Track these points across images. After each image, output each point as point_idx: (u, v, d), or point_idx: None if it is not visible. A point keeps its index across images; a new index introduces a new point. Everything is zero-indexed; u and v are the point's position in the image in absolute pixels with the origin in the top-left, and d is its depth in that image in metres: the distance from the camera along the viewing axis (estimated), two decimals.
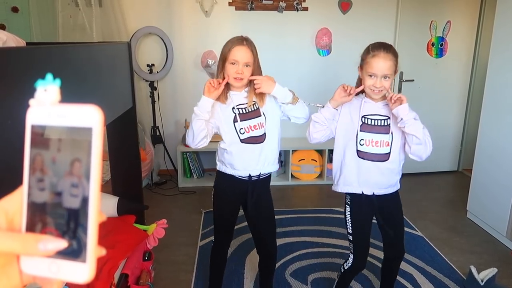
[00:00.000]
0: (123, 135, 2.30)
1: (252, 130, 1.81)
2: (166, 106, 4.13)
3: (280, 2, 3.95)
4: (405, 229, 3.07)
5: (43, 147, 0.35)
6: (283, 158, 4.24)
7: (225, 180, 1.90)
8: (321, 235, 3.00)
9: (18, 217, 0.36)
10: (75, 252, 0.35)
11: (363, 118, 1.77)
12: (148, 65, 3.92)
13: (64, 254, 0.35)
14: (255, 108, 1.81)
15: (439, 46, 4.15)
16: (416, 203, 3.63)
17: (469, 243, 2.96)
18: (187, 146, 3.94)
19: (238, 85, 1.79)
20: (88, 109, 0.34)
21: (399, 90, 4.16)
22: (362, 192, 1.82)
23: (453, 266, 2.62)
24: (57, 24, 3.34)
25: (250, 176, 1.85)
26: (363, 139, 1.76)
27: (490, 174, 3.08)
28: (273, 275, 2.16)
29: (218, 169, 1.92)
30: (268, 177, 1.94)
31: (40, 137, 0.35)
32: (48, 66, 1.21)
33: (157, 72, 3.98)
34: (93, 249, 0.35)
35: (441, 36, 4.13)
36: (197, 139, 1.78)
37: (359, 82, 1.81)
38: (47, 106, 0.35)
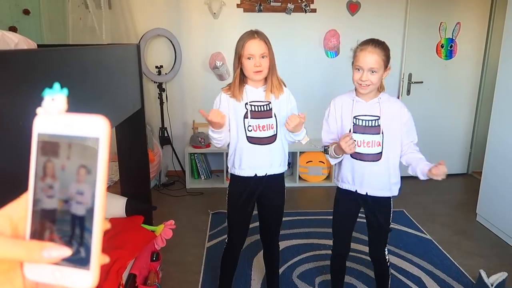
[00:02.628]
0: (131, 136, 2.32)
1: (260, 130, 1.81)
2: (174, 108, 4.15)
3: (288, 3, 3.95)
4: (414, 231, 3.07)
5: (50, 155, 0.35)
6: (291, 160, 4.23)
7: (236, 183, 1.92)
8: (328, 237, 2.98)
9: (23, 224, 0.36)
10: (79, 260, 0.35)
11: (355, 119, 1.78)
12: (156, 67, 3.95)
13: (68, 261, 0.35)
14: (268, 108, 1.82)
15: (449, 48, 4.12)
16: (425, 206, 3.60)
17: (479, 246, 2.92)
18: (195, 147, 3.96)
19: (259, 78, 1.79)
20: (95, 119, 0.35)
21: (408, 92, 4.14)
22: (356, 191, 1.85)
23: (462, 270, 2.59)
24: (67, 26, 3.37)
25: (256, 175, 1.86)
26: (355, 140, 1.77)
27: (500, 177, 3.04)
28: (278, 272, 2.18)
29: (229, 171, 1.95)
30: (278, 176, 1.92)
31: (47, 145, 0.35)
32: (59, 68, 1.23)
33: (166, 73, 4.00)
34: (97, 257, 0.35)
35: (451, 37, 4.09)
36: (223, 146, 1.91)
37: None
38: (54, 115, 0.35)
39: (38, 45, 1.65)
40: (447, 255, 2.77)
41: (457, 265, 2.65)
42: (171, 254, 2.65)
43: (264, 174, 1.86)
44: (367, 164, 1.79)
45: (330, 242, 2.90)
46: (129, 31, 3.83)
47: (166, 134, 4.10)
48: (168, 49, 4.02)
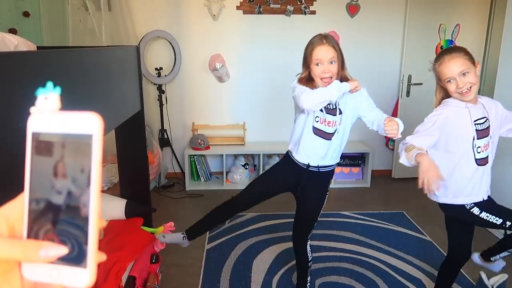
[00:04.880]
0: (131, 138, 2.32)
1: (325, 125, 1.86)
2: (174, 109, 4.15)
3: (288, 5, 3.95)
4: (414, 233, 3.07)
5: (44, 154, 0.35)
6: None
7: (287, 161, 1.98)
8: (328, 239, 2.99)
9: (19, 224, 0.36)
10: (75, 258, 0.35)
11: (475, 124, 1.69)
12: (156, 69, 3.95)
13: (65, 260, 0.35)
14: (335, 106, 1.85)
15: None
16: (424, 207, 3.59)
17: (479, 248, 2.91)
18: (195, 149, 3.95)
19: (327, 84, 1.80)
20: (88, 116, 0.35)
21: (407, 94, 4.14)
22: (483, 199, 1.76)
23: (463, 272, 2.58)
24: (67, 28, 3.38)
25: (308, 165, 1.91)
26: (479, 146, 1.70)
27: (500, 178, 3.04)
28: (303, 274, 2.19)
29: (289, 152, 2.01)
30: (328, 172, 1.97)
31: (41, 144, 0.35)
32: (59, 70, 1.23)
33: (165, 75, 4.01)
34: (94, 255, 0.35)
35: (450, 39, 4.10)
36: (315, 106, 1.77)
37: (440, 95, 1.82)
38: (48, 114, 0.35)
39: (38, 47, 1.65)
40: None
41: None
42: (170, 256, 2.65)
43: (316, 165, 1.91)
44: (484, 168, 1.73)
45: (331, 244, 2.91)
46: (129, 33, 3.84)
47: (165, 136, 4.10)
48: (168, 51, 4.02)
